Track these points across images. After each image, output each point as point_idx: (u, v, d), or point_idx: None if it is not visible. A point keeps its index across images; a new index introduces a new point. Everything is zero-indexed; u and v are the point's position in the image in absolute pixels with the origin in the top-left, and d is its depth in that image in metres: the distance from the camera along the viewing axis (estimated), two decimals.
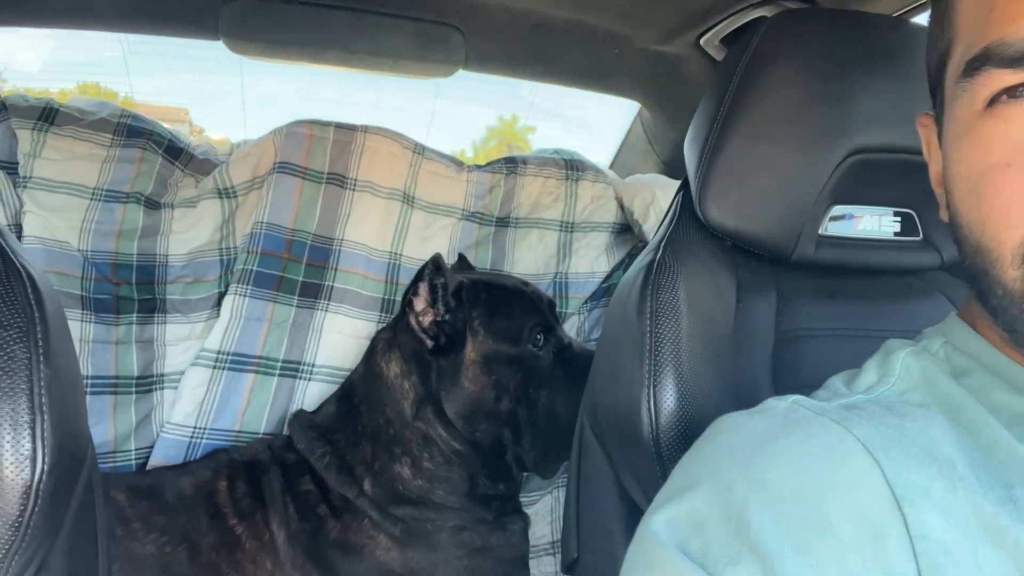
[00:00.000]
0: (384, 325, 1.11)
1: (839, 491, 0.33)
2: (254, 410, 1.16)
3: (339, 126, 1.28)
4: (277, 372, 1.18)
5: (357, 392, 1.04)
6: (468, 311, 0.98)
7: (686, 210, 0.66)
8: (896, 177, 0.62)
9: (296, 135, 1.26)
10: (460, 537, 0.94)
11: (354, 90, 1.75)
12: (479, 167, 1.39)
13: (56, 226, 1.12)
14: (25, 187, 1.12)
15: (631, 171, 1.59)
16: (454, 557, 0.92)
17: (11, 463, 0.40)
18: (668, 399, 0.48)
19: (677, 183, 1.45)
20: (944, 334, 0.44)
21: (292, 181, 1.23)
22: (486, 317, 0.97)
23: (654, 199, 1.39)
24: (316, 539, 0.90)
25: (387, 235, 1.28)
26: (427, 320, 0.97)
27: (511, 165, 1.40)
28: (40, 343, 0.43)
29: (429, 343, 0.96)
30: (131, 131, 1.21)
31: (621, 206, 1.44)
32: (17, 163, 1.13)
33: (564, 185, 1.41)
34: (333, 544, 0.89)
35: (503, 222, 1.38)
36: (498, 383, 0.96)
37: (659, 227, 0.70)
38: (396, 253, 1.29)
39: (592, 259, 1.39)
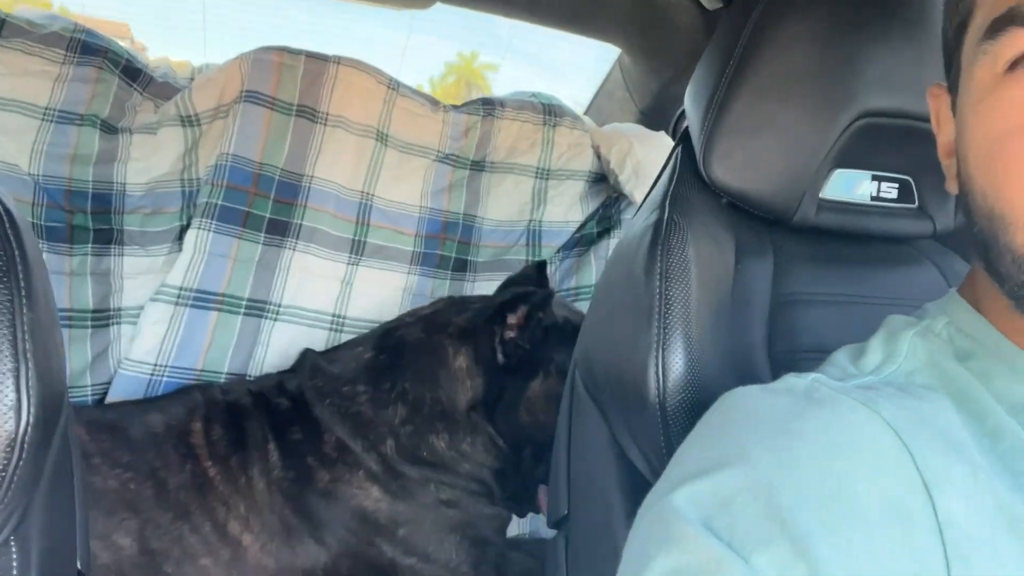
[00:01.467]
0: (463, 310, 1.05)
1: (870, 474, 0.33)
2: (218, 349, 1.13)
3: (310, 55, 1.22)
4: (242, 311, 1.15)
5: (405, 355, 1.00)
6: (550, 351, 0.96)
7: (686, 167, 0.64)
8: (898, 143, 0.62)
9: (264, 62, 1.19)
10: (457, 498, 0.94)
11: (325, 16, 1.65)
12: (455, 107, 1.35)
13: (4, 147, 1.04)
14: None
15: (606, 119, 1.57)
16: (443, 516, 0.92)
17: None
18: (677, 364, 0.48)
19: (656, 134, 1.45)
20: (947, 313, 0.44)
21: (260, 112, 1.18)
22: (565, 364, 0.97)
23: (631, 149, 1.38)
24: (300, 486, 0.88)
25: (359, 174, 1.24)
26: (509, 335, 0.95)
27: (488, 107, 1.36)
28: (22, 284, 0.39)
29: (501, 359, 0.95)
30: (85, 48, 1.13)
31: (598, 155, 1.42)
32: None
33: (541, 130, 1.38)
34: (319, 492, 0.88)
35: (478, 165, 1.35)
36: (552, 424, 0.96)
37: (657, 183, 0.69)
38: (368, 193, 1.25)
39: (566, 208, 1.38)
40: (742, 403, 0.39)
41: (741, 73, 0.60)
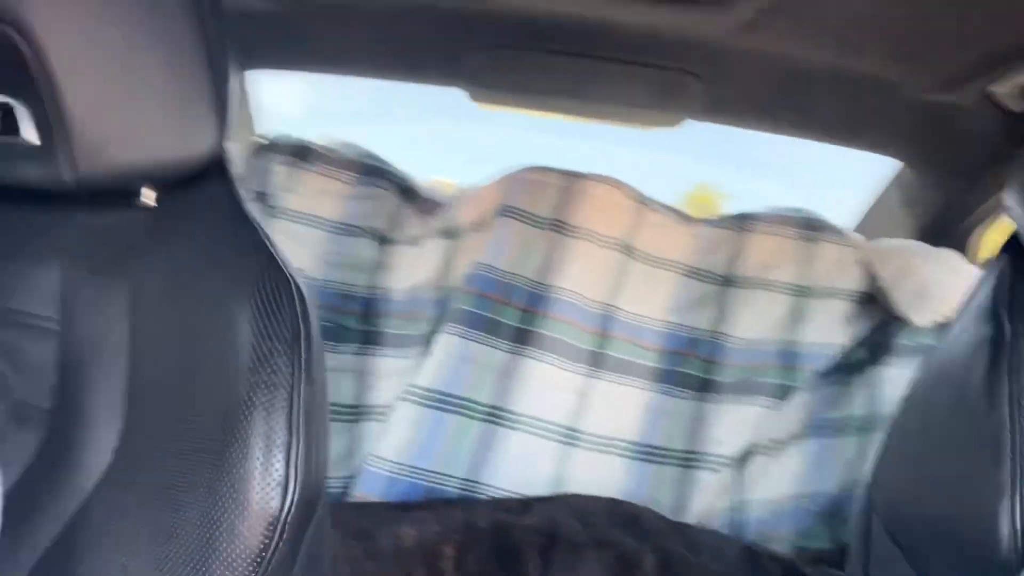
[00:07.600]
0: None
1: None
2: (455, 452, 1.14)
3: (565, 172, 1.26)
4: (480, 416, 1.15)
5: None
6: None
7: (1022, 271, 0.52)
8: None
9: (522, 180, 1.26)
10: None
11: (570, 139, 1.72)
12: (707, 221, 1.30)
13: (300, 255, 1.18)
14: (275, 217, 1.21)
15: (877, 236, 1.41)
16: None
17: (260, 489, 0.37)
18: None
19: (943, 251, 1.26)
20: None
21: (514, 225, 1.22)
22: None
23: (911, 267, 1.21)
24: None
25: (603, 285, 1.22)
26: None
27: (742, 221, 1.30)
28: (303, 357, 0.40)
29: None
30: (371, 170, 1.28)
31: (868, 273, 1.27)
32: (269, 194, 1.22)
33: (800, 245, 1.27)
34: None
35: (728, 280, 1.27)
36: None
37: (977, 292, 0.56)
38: (610, 305, 1.22)
39: (828, 329, 1.23)
40: None
41: None
